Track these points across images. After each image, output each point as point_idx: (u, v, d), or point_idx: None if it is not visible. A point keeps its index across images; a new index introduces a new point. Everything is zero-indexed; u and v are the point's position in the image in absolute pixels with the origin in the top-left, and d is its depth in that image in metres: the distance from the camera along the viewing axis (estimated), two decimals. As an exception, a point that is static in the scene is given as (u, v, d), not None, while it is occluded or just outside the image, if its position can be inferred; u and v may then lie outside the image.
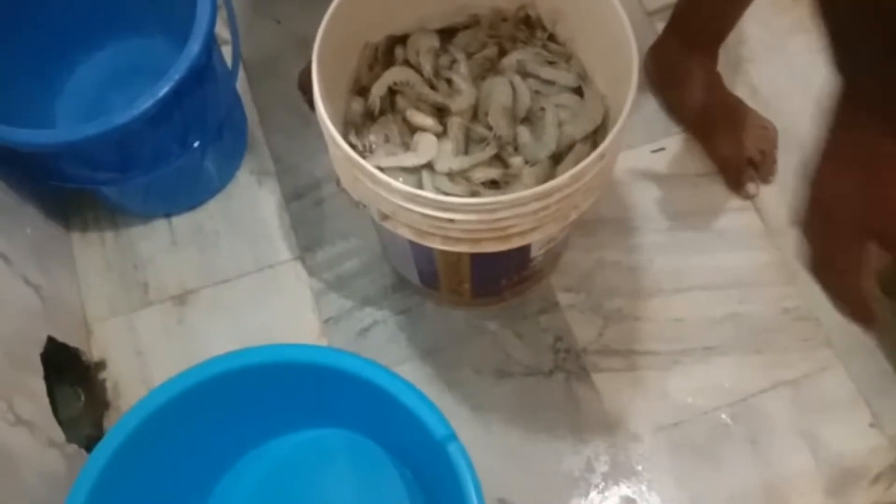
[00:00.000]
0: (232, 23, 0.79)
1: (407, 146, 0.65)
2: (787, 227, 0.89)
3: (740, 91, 0.94)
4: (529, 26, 0.68)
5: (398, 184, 0.54)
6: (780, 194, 0.91)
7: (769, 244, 0.89)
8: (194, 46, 0.68)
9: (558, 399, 0.83)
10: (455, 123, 0.65)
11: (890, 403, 0.81)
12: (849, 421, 0.81)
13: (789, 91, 0.97)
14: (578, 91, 0.66)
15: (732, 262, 0.88)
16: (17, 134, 0.68)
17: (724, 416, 0.81)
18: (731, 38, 0.95)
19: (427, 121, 0.65)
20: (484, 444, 0.80)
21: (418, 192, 0.54)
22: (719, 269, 0.87)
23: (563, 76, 0.66)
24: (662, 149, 0.94)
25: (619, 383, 0.83)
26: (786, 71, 0.98)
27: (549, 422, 0.82)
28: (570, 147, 0.65)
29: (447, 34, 0.69)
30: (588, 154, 0.56)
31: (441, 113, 0.67)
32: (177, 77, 0.67)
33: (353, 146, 0.65)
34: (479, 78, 0.67)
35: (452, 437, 0.62)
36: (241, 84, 0.97)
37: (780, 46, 1.00)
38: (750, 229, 0.89)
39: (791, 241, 0.89)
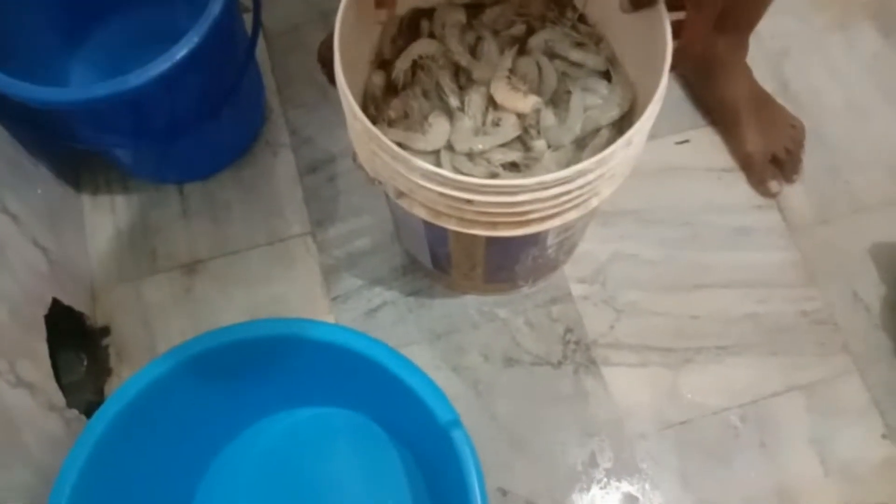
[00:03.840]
0: (254, -12, 0.77)
1: (426, 121, 0.63)
2: (811, 227, 0.87)
3: (771, 86, 0.92)
4: (559, 5, 0.66)
5: (417, 161, 0.52)
6: (805, 194, 0.89)
7: (791, 244, 0.87)
8: (215, 8, 0.67)
9: (565, 391, 0.81)
10: (475, 101, 0.63)
11: (905, 414, 0.79)
12: (861, 430, 0.79)
13: (822, 89, 0.94)
14: (607, 75, 0.64)
15: (753, 261, 0.86)
16: (31, 91, 0.66)
17: (733, 417, 0.80)
18: (766, 31, 0.93)
19: (451, 84, 0.63)
20: (487, 431, 0.79)
21: (437, 170, 0.52)
22: (739, 268, 0.85)
23: (592, 59, 0.64)
24: (687, 141, 0.91)
25: (629, 378, 0.81)
26: (820, 68, 0.95)
27: (555, 413, 0.80)
28: (595, 133, 0.63)
29: (474, 9, 0.67)
30: (613, 141, 0.54)
31: (462, 91, 0.65)
32: (195, 40, 0.66)
33: (372, 120, 0.64)
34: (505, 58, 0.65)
35: (457, 422, 0.61)
36: (261, 53, 0.96)
37: (816, 43, 0.97)
38: (772, 228, 0.87)
39: (814, 243, 0.87)
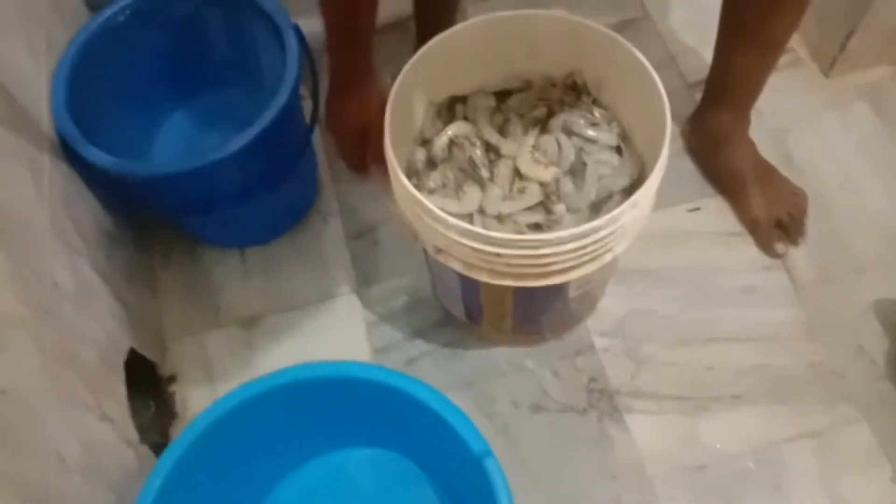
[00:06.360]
0: (314, 82, 0.89)
1: (460, 190, 0.73)
2: (815, 286, 0.94)
3: (776, 159, 1.01)
4: (576, 91, 0.76)
5: (454, 220, 0.62)
6: (809, 255, 0.96)
7: (796, 301, 0.94)
8: (282, 97, 0.79)
9: (590, 436, 0.88)
10: (502, 173, 0.73)
11: (912, 460, 0.84)
12: (870, 475, 0.84)
13: (821, 162, 1.03)
14: (618, 149, 0.74)
15: (761, 317, 0.93)
16: (131, 166, 0.79)
17: (749, 462, 0.85)
18: (769, 109, 1.03)
19: (483, 158, 0.73)
20: (516, 474, 0.84)
21: (470, 227, 0.62)
22: (748, 323, 0.92)
23: (605, 136, 0.74)
24: (698, 208, 1.00)
25: (650, 425, 0.88)
26: (819, 143, 1.04)
27: (581, 458, 0.86)
28: (609, 198, 0.72)
29: (502, 96, 0.78)
30: (624, 205, 0.63)
31: (491, 164, 0.75)
32: (267, 122, 0.77)
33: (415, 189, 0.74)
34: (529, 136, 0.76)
35: (489, 452, 0.68)
36: (315, 134, 1.08)
37: (814, 120, 1.06)
38: (779, 287, 0.95)
39: (819, 300, 0.93)
